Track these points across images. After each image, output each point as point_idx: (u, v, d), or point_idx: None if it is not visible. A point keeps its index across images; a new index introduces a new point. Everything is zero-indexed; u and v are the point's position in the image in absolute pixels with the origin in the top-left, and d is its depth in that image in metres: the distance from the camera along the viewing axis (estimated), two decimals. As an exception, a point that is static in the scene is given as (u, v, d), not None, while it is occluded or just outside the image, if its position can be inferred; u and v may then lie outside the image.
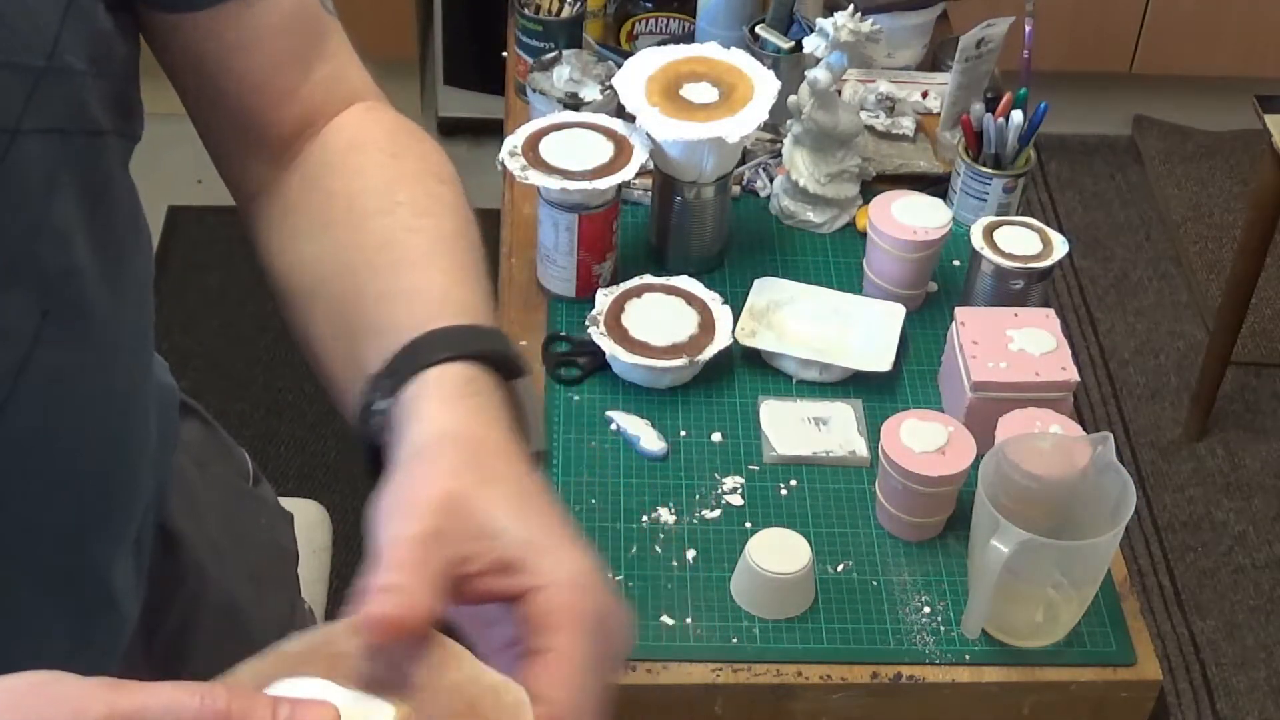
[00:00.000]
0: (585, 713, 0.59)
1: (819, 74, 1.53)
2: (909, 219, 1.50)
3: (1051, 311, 1.42)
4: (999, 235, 1.48)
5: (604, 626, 0.62)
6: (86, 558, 0.84)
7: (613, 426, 1.40)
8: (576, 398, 1.43)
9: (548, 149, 1.47)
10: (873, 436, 1.38)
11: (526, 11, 1.79)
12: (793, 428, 1.40)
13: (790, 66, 1.66)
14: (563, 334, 1.49)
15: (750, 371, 1.47)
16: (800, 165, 1.61)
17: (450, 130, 3.17)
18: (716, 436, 1.40)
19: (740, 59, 1.53)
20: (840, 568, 1.29)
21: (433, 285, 0.74)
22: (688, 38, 1.84)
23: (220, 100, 0.81)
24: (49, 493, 0.79)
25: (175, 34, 0.78)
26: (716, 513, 1.33)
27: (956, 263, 1.61)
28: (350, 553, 2.30)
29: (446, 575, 0.59)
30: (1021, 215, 1.54)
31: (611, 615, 0.63)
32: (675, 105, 1.46)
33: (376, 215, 0.79)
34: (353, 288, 0.77)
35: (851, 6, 1.53)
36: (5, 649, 0.80)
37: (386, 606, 0.57)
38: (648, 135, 1.48)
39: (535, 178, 1.44)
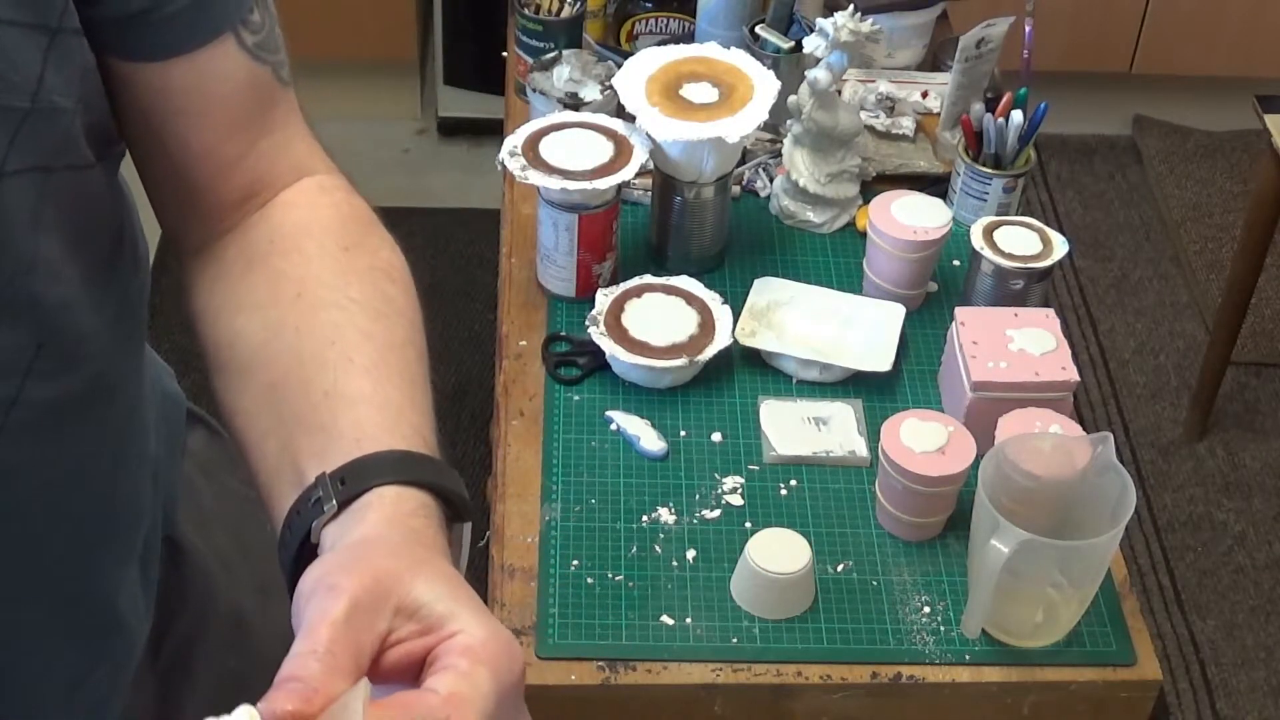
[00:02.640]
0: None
1: (819, 74, 1.53)
2: (909, 219, 1.50)
3: (1051, 311, 1.42)
4: (999, 235, 1.48)
5: (514, 687, 0.61)
6: (92, 580, 0.84)
7: (613, 426, 1.40)
8: (576, 398, 1.43)
9: (548, 149, 1.47)
10: (873, 436, 1.38)
11: (526, 11, 1.79)
12: (793, 428, 1.40)
13: (790, 66, 1.67)
14: (563, 334, 1.49)
15: (750, 371, 1.47)
16: (800, 165, 1.61)
17: (450, 130, 3.17)
18: (716, 436, 1.40)
19: (740, 59, 1.53)
20: (840, 568, 1.29)
21: (385, 400, 0.74)
22: (688, 38, 1.84)
23: (163, 160, 0.80)
24: (49, 519, 0.79)
25: (125, 87, 0.77)
26: (716, 513, 1.33)
27: (956, 263, 1.61)
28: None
29: (364, 653, 0.60)
30: (1021, 215, 1.54)
31: (520, 697, 0.62)
32: (675, 105, 1.47)
33: (328, 308, 0.78)
34: (298, 377, 0.76)
35: (851, 6, 1.53)
36: (15, 674, 0.80)
37: (287, 704, 0.57)
38: (648, 135, 1.48)
39: (535, 178, 1.44)
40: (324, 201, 0.83)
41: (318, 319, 0.77)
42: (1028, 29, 1.77)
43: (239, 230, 0.82)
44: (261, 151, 0.82)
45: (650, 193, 1.58)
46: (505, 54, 1.92)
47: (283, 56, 0.82)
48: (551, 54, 1.69)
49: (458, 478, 0.73)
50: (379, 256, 0.82)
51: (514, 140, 1.48)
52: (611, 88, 1.61)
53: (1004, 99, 1.59)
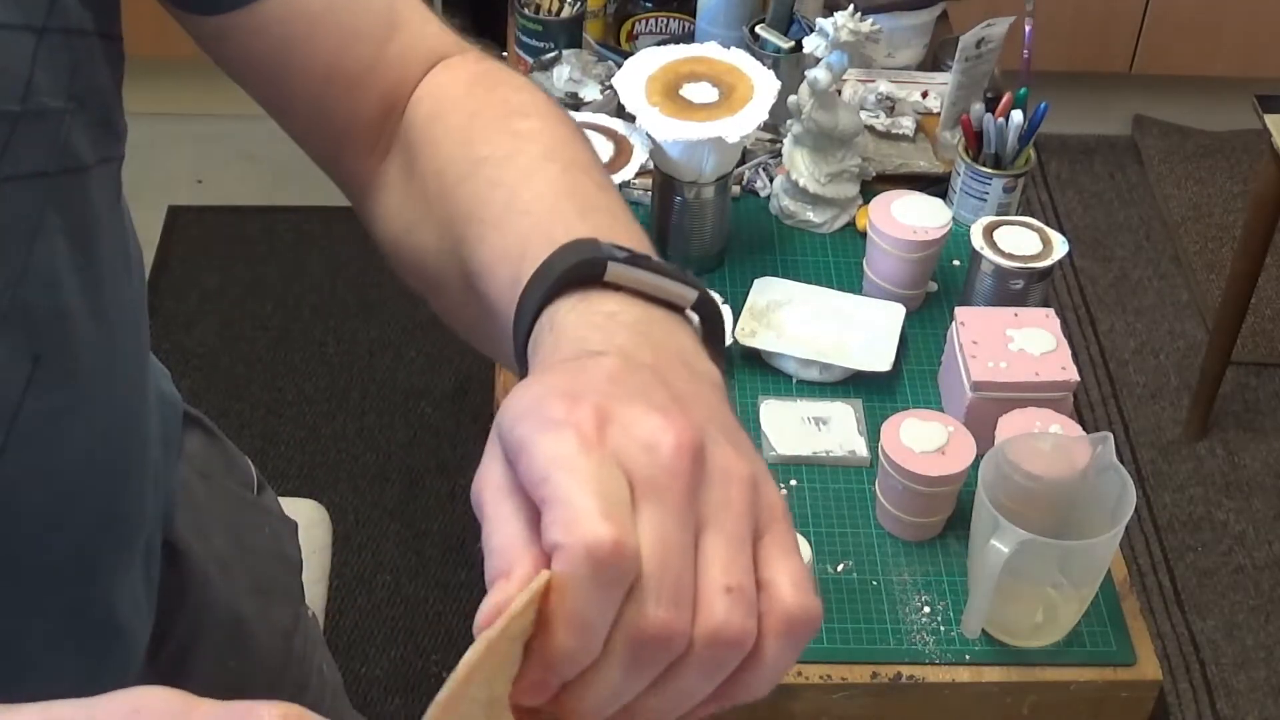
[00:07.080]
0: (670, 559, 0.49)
1: (819, 74, 1.53)
2: (909, 219, 1.50)
3: (1051, 311, 1.42)
4: (999, 235, 1.48)
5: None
6: (96, 587, 0.83)
7: (613, 426, 1.40)
8: (576, 398, 1.43)
9: (548, 149, 1.47)
10: (873, 436, 1.38)
11: (526, 11, 1.79)
12: (793, 428, 1.40)
13: (790, 66, 1.66)
14: (563, 334, 1.49)
15: (750, 371, 1.47)
16: (800, 165, 1.61)
17: (450, 130, 3.17)
18: (716, 436, 1.40)
19: (740, 59, 1.53)
20: (840, 568, 1.29)
21: (512, 247, 0.66)
22: (688, 38, 1.84)
23: (291, 98, 0.78)
24: (51, 529, 0.78)
25: (226, 42, 0.75)
26: (716, 513, 1.33)
27: (956, 263, 1.61)
28: (350, 552, 2.30)
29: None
30: (1021, 215, 1.54)
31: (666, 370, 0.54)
32: (675, 105, 1.46)
33: (459, 183, 0.73)
34: (461, 271, 0.72)
35: (851, 6, 1.53)
36: (16, 686, 0.80)
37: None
38: (648, 135, 1.48)
39: (535, 178, 1.44)
40: (448, 77, 0.80)
41: (456, 199, 0.73)
42: (1028, 29, 1.77)
43: (393, 152, 0.79)
44: (391, 57, 0.78)
45: (650, 193, 1.58)
46: (505, 54, 1.92)
47: None
48: (551, 54, 1.69)
49: (592, 243, 0.61)
50: (509, 104, 0.78)
51: (514, 140, 1.48)
52: (611, 88, 1.61)
53: (1004, 99, 1.59)
